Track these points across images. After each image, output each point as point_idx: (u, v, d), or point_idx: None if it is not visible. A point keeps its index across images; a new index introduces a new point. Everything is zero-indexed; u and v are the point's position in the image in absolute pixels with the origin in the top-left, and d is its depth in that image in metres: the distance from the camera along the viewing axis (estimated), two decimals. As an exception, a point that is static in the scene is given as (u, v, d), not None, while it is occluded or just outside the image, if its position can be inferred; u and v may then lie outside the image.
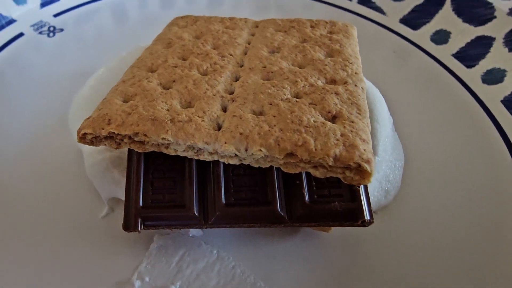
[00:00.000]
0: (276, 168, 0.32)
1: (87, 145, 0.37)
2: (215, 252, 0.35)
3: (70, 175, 0.40)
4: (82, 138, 0.29)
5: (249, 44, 0.39)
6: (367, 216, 0.31)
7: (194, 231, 0.36)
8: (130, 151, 0.33)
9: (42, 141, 0.44)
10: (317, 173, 0.27)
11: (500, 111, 0.49)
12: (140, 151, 0.29)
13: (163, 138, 0.28)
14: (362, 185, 0.31)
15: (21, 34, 0.57)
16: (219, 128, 0.29)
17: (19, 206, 0.38)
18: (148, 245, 0.35)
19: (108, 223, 0.37)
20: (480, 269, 0.35)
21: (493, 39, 0.55)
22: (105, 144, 0.30)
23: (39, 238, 0.36)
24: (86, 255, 0.35)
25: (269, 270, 0.34)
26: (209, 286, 0.33)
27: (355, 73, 0.34)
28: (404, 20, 0.63)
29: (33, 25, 0.59)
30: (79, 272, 0.34)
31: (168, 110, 0.30)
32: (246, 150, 0.27)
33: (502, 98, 0.50)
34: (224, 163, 0.32)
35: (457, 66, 0.56)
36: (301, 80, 0.32)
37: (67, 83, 0.50)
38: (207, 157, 0.29)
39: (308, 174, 0.32)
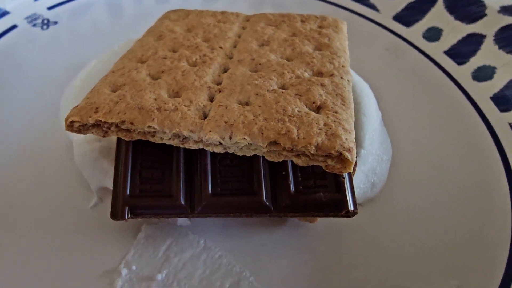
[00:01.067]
0: (262, 159, 0.32)
1: (77, 135, 0.37)
2: (202, 242, 0.35)
3: (60, 166, 0.40)
4: (70, 126, 0.30)
5: (239, 37, 0.40)
6: (351, 207, 0.31)
7: (181, 221, 0.36)
8: (119, 141, 0.33)
9: (33, 132, 0.44)
10: (300, 162, 0.27)
11: (489, 108, 0.50)
12: (127, 139, 0.30)
13: (149, 126, 0.28)
14: (347, 177, 0.32)
15: (14, 26, 0.57)
16: (205, 117, 0.29)
17: (8, 195, 0.38)
18: (136, 235, 0.36)
19: (97, 213, 0.37)
20: (464, 263, 0.36)
21: (484, 36, 0.56)
22: (93, 132, 0.30)
23: (27, 227, 0.36)
24: (74, 244, 0.35)
25: (255, 260, 0.35)
26: (195, 275, 0.33)
27: (342, 66, 0.34)
28: (398, 17, 0.63)
29: (26, 18, 0.59)
30: (67, 261, 0.34)
31: (155, 99, 0.30)
32: (230, 138, 0.27)
33: (491, 95, 0.51)
34: (211, 154, 0.33)
35: (449, 63, 0.56)
36: (288, 72, 0.33)
37: (60, 76, 0.50)
38: (192, 146, 0.29)
39: (294, 164, 0.32)
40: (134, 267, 0.34)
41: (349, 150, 0.26)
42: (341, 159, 0.26)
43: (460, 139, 0.47)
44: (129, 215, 0.31)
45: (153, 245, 0.35)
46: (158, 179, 0.32)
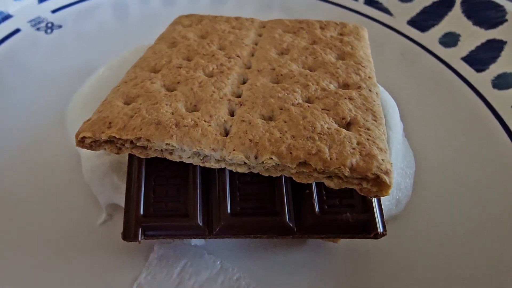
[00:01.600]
0: (285, 176, 0.30)
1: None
2: (218, 262, 0.33)
3: (67, 179, 0.38)
4: (81, 142, 0.28)
5: (256, 45, 0.38)
6: (380, 228, 0.29)
7: (196, 240, 0.34)
8: (131, 156, 0.31)
9: (39, 142, 0.42)
10: (332, 184, 0.25)
11: (511, 117, 0.48)
12: (142, 156, 0.28)
13: (167, 144, 0.26)
14: (374, 195, 0.30)
15: (18, 30, 0.56)
16: (226, 133, 0.27)
17: (13, 211, 0.36)
18: (148, 255, 0.34)
19: (106, 230, 0.35)
20: (498, 279, 0.34)
21: (505, 42, 0.54)
22: (105, 149, 0.28)
23: (33, 245, 0.34)
24: (82, 264, 0.33)
25: (275, 282, 0.33)
26: (212, 298, 0.31)
27: (369, 77, 0.32)
28: (412, 22, 0.61)
29: (30, 21, 0.57)
30: (74, 283, 0.32)
31: (172, 113, 0.28)
32: (256, 158, 0.25)
33: (513, 104, 0.49)
34: (230, 171, 0.30)
35: (467, 70, 0.54)
36: (313, 84, 0.31)
37: (65, 81, 0.49)
38: (213, 165, 0.27)
39: (318, 182, 0.30)
40: (146, 290, 0.31)
41: (386, 173, 0.24)
42: (378, 182, 0.24)
43: (483, 149, 0.45)
44: (143, 237, 0.29)
45: (167, 266, 0.33)
46: (173, 196, 0.30)
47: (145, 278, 0.32)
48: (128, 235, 0.29)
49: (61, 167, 0.39)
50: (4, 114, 0.45)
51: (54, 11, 0.60)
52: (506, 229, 0.37)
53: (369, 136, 0.26)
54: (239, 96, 0.30)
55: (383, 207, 0.35)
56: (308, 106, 0.28)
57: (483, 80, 0.52)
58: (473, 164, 0.43)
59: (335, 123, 0.27)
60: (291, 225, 0.29)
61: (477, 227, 0.37)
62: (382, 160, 0.25)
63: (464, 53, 0.56)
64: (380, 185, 0.24)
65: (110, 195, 0.35)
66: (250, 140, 0.26)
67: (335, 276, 0.33)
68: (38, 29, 0.57)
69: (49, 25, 0.58)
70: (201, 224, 0.29)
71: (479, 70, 0.54)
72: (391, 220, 0.36)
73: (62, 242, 0.34)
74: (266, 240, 0.34)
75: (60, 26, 0.58)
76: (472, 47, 0.56)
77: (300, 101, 0.29)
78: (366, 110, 0.28)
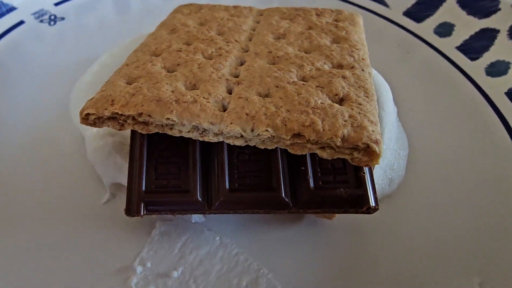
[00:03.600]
0: (281, 153, 0.31)
1: (89, 130, 0.37)
2: (218, 238, 0.35)
3: (72, 161, 0.39)
4: (85, 118, 0.29)
5: (254, 31, 0.39)
6: (372, 203, 0.30)
7: (196, 217, 0.35)
8: (133, 136, 0.33)
9: (44, 128, 0.43)
10: (325, 154, 0.27)
11: (504, 103, 0.49)
12: (143, 132, 0.29)
13: (167, 119, 0.27)
14: (367, 172, 0.31)
15: (21, 22, 0.57)
16: (224, 109, 0.28)
17: (21, 192, 0.37)
18: (150, 231, 0.35)
19: (110, 208, 0.36)
20: (486, 260, 0.35)
21: (498, 31, 0.55)
22: (108, 125, 0.29)
23: (40, 223, 0.35)
24: (87, 240, 0.34)
25: (272, 257, 0.34)
26: (212, 272, 0.32)
27: (362, 58, 0.33)
28: (408, 13, 0.62)
29: (34, 13, 0.58)
30: (80, 258, 0.33)
31: (172, 91, 0.29)
32: (252, 130, 0.27)
33: (506, 90, 0.50)
34: (228, 149, 0.32)
35: (461, 59, 0.55)
36: (308, 64, 0.32)
37: (68, 72, 0.50)
38: (212, 138, 0.28)
39: (313, 160, 0.31)
40: (149, 264, 0.33)
41: (376, 142, 0.25)
42: (368, 151, 0.26)
43: (475, 134, 0.46)
44: (145, 211, 0.30)
45: (168, 241, 0.34)
46: (174, 174, 0.31)
47: (148, 252, 0.33)
48: (131, 210, 0.30)
49: (66, 150, 0.41)
50: (10, 103, 0.46)
51: (57, 4, 0.61)
52: (496, 210, 0.38)
53: (361, 110, 0.27)
54: (237, 76, 0.32)
55: (376, 185, 0.36)
56: (303, 84, 0.30)
57: (477, 68, 0.54)
58: (465, 149, 0.44)
59: (329, 99, 0.29)
60: (287, 200, 0.31)
61: (467, 208, 0.38)
62: (372, 131, 0.26)
63: (459, 42, 0.57)
64: (370, 154, 0.26)
65: (114, 175, 0.36)
66: (247, 114, 0.27)
67: (329, 251, 0.34)
68: (41, 21, 0.58)
69: (52, 17, 0.59)
70: (200, 200, 0.31)
71: (473, 58, 0.55)
72: (384, 198, 0.38)
73: (68, 220, 0.36)
74: (263, 217, 0.36)
75: (63, 18, 0.59)
76: (466, 36, 0.57)
77: (296, 79, 0.30)
78: (358, 87, 0.29)
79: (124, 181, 0.34)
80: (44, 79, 0.50)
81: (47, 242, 0.34)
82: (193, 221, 0.35)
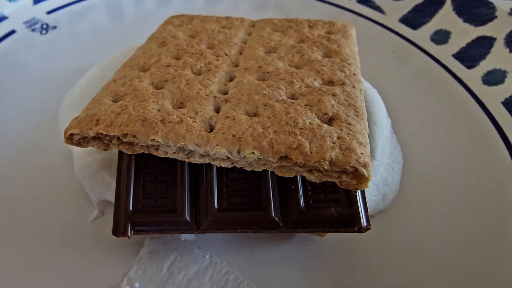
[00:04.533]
0: (271, 172, 0.31)
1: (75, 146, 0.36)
2: (207, 257, 0.34)
3: (59, 177, 0.39)
4: (69, 138, 0.28)
5: (245, 44, 0.38)
6: (363, 222, 0.30)
7: (186, 235, 0.35)
8: (120, 153, 0.32)
9: (32, 140, 0.43)
10: (312, 177, 0.26)
11: (500, 113, 0.48)
12: (129, 152, 0.28)
13: (152, 140, 0.27)
14: (359, 191, 0.30)
15: (13, 31, 0.56)
16: (211, 129, 0.28)
17: (5, 207, 0.37)
18: (139, 249, 0.34)
19: (98, 226, 0.36)
20: (481, 274, 0.34)
21: (494, 39, 0.54)
22: (93, 145, 0.29)
23: (25, 241, 0.35)
24: (74, 259, 0.34)
25: (263, 275, 0.33)
26: (201, 292, 0.32)
27: (353, 74, 0.33)
28: (404, 20, 0.62)
29: (25, 22, 0.58)
30: (66, 278, 0.33)
31: (159, 110, 0.29)
32: (238, 152, 0.26)
33: (502, 100, 0.49)
34: (217, 167, 0.31)
35: (458, 67, 0.55)
36: (297, 81, 0.31)
37: (59, 81, 0.49)
38: (198, 160, 0.28)
39: (303, 178, 0.31)
40: (137, 285, 0.32)
41: (365, 166, 0.24)
42: (357, 175, 0.25)
43: (472, 145, 0.45)
44: (132, 232, 0.30)
45: (157, 260, 0.33)
46: (161, 193, 0.31)
47: (135, 272, 0.33)
48: (118, 230, 0.30)
49: (54, 165, 0.40)
50: (-1, 113, 0.46)
51: (49, 12, 0.60)
52: (492, 225, 0.38)
53: (350, 130, 0.27)
54: (225, 93, 0.31)
55: (369, 201, 0.35)
56: (292, 102, 0.29)
57: (473, 76, 0.53)
58: (462, 160, 0.43)
59: (318, 118, 0.28)
60: (277, 219, 0.30)
61: (464, 223, 0.38)
62: (361, 153, 0.25)
63: (455, 50, 0.56)
64: (358, 177, 0.25)
65: (102, 192, 0.35)
66: (233, 136, 0.26)
67: (321, 269, 0.34)
68: (33, 30, 0.57)
69: (44, 26, 0.58)
70: (189, 219, 0.30)
71: (469, 66, 0.54)
72: (378, 214, 0.37)
73: (54, 238, 0.35)
74: (254, 235, 0.35)
75: (55, 27, 0.58)
76: (463, 44, 0.56)
77: (284, 97, 0.30)
78: (348, 105, 0.29)
79: (113, 199, 0.34)
80: (35, 89, 0.49)
81: (33, 260, 0.34)
82: (182, 239, 0.35)
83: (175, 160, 0.31)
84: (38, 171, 0.39)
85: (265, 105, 0.29)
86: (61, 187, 0.38)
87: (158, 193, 0.31)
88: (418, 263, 0.35)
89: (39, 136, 0.43)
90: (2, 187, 0.38)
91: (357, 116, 0.28)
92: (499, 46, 0.54)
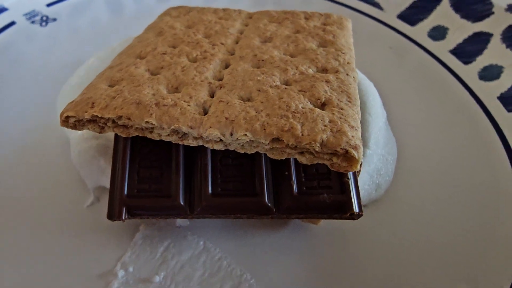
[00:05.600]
0: (264, 159, 0.31)
1: (73, 133, 0.36)
2: (201, 243, 0.34)
3: (56, 163, 0.39)
4: (65, 121, 0.29)
5: (241, 34, 0.39)
6: (356, 209, 0.30)
7: (181, 222, 0.35)
8: (116, 139, 0.32)
9: (30, 129, 0.43)
10: (304, 159, 0.26)
11: (496, 108, 0.49)
12: (123, 135, 0.29)
13: (146, 122, 0.27)
14: (352, 178, 0.31)
15: (12, 23, 0.57)
16: (205, 113, 0.28)
17: (2, 193, 0.37)
18: (133, 235, 0.35)
19: (94, 212, 0.36)
20: (473, 266, 0.34)
21: (491, 35, 0.54)
22: (89, 128, 0.29)
23: (21, 226, 0.35)
24: (69, 244, 0.34)
25: (256, 262, 0.34)
26: (194, 277, 0.32)
27: (347, 62, 0.33)
28: (402, 16, 0.62)
29: (25, 14, 0.58)
30: (61, 262, 0.33)
31: (154, 94, 0.29)
32: (231, 134, 0.26)
33: (498, 95, 0.50)
34: (211, 153, 0.31)
35: (454, 62, 0.55)
36: (292, 68, 0.31)
37: (59, 73, 0.49)
38: (191, 142, 0.28)
39: (297, 165, 0.31)
40: (131, 269, 0.32)
41: (355, 148, 0.25)
42: (347, 157, 0.25)
43: (467, 139, 0.45)
44: (127, 216, 0.30)
45: (151, 246, 0.34)
46: (156, 178, 0.31)
47: (130, 257, 0.33)
48: (113, 214, 0.30)
49: (51, 152, 0.40)
50: (-2, 103, 0.46)
51: (49, 5, 0.60)
52: (485, 217, 0.38)
53: (342, 115, 0.27)
54: (220, 80, 0.31)
55: (363, 191, 0.36)
56: (285, 88, 0.29)
57: (470, 72, 0.53)
58: (457, 154, 0.44)
59: (310, 103, 0.28)
60: (270, 205, 0.30)
61: (457, 215, 0.38)
62: (352, 136, 0.25)
63: (452, 46, 0.57)
64: (349, 159, 0.25)
65: (98, 178, 0.35)
66: (226, 118, 0.27)
67: (314, 256, 0.34)
68: (33, 22, 0.58)
69: (44, 18, 0.58)
70: (183, 204, 0.30)
71: (466, 62, 0.54)
72: (371, 203, 0.37)
73: (50, 223, 0.35)
74: (249, 221, 0.35)
75: (54, 20, 0.59)
76: (460, 40, 0.57)
77: (278, 83, 0.30)
78: (341, 92, 0.29)
79: (108, 185, 0.34)
80: (34, 81, 0.49)
81: (27, 245, 0.34)
82: (177, 225, 0.35)
83: (170, 146, 0.31)
84: (35, 159, 0.40)
85: (259, 90, 0.29)
86: (58, 173, 0.38)
87: (153, 178, 0.31)
88: (410, 252, 0.35)
89: (38, 126, 0.43)
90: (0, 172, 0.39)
91: (349, 102, 0.28)
92: (495, 42, 0.54)
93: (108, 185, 0.34)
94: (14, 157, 0.40)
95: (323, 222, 0.35)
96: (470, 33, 0.56)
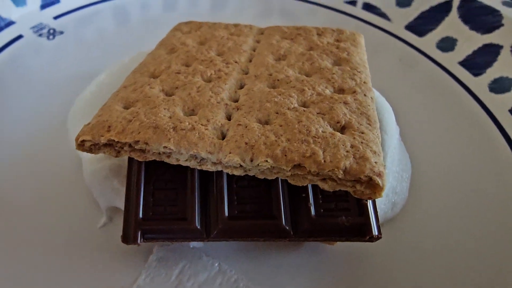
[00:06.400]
0: (281, 180, 0.31)
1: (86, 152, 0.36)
2: (216, 265, 0.34)
3: (68, 183, 0.38)
4: (81, 145, 0.28)
5: (254, 51, 0.38)
6: (375, 232, 0.29)
7: (195, 243, 0.34)
8: (130, 160, 0.32)
9: (40, 146, 0.42)
10: (326, 186, 0.26)
11: (508, 121, 0.48)
12: (140, 159, 0.28)
13: (164, 147, 0.27)
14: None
15: (20, 36, 0.56)
16: (223, 137, 0.28)
17: (15, 213, 0.36)
18: (147, 257, 0.34)
19: (106, 233, 0.35)
20: (491, 284, 0.34)
21: (501, 47, 0.54)
22: (104, 152, 0.28)
23: (32, 247, 0.34)
24: (81, 267, 0.33)
25: (272, 284, 0.33)
26: (210, 300, 0.32)
27: (364, 82, 0.32)
28: (410, 27, 0.62)
29: (32, 27, 0.58)
30: (73, 286, 0.32)
31: (170, 117, 0.28)
32: (251, 160, 0.26)
33: (510, 108, 0.49)
34: (227, 174, 0.31)
35: (464, 74, 0.55)
36: (309, 89, 0.31)
37: (67, 87, 0.49)
38: (210, 167, 0.27)
39: (314, 186, 0.31)
40: (145, 292, 0.32)
41: (379, 175, 0.24)
42: (371, 184, 0.25)
43: (480, 153, 0.45)
44: (142, 239, 0.30)
45: (165, 268, 0.33)
46: (171, 200, 0.31)
47: (144, 280, 0.33)
48: (128, 238, 0.30)
49: (63, 170, 0.40)
50: (7, 119, 0.45)
51: (56, 18, 0.60)
52: (502, 232, 0.37)
53: (363, 139, 0.27)
54: (236, 101, 0.31)
55: (379, 210, 0.35)
56: (304, 110, 0.29)
57: (480, 84, 0.53)
58: (470, 168, 0.43)
59: (330, 126, 0.28)
60: (287, 228, 0.30)
61: (473, 231, 0.37)
62: (375, 162, 0.25)
63: (461, 57, 0.56)
64: (373, 187, 0.25)
65: (110, 199, 0.35)
66: (246, 143, 0.26)
67: (331, 278, 0.33)
68: (40, 35, 0.57)
69: (51, 31, 0.58)
70: (199, 227, 0.30)
71: (476, 74, 0.54)
72: (387, 223, 0.37)
73: (63, 244, 0.35)
74: (263, 242, 0.35)
75: (61, 32, 0.58)
76: (469, 52, 0.56)
77: (296, 105, 0.30)
78: (360, 114, 0.29)
79: (121, 205, 0.34)
80: (42, 95, 0.49)
81: (40, 267, 0.33)
82: (191, 246, 0.34)
83: (185, 167, 0.31)
84: (46, 177, 0.39)
85: (277, 113, 0.29)
86: (70, 193, 0.38)
87: (168, 200, 0.30)
88: (428, 271, 0.34)
89: (48, 142, 0.43)
90: (11, 192, 0.38)
91: (369, 124, 0.28)
92: (506, 54, 0.53)
93: (121, 206, 0.34)
94: (23, 173, 0.40)
95: (339, 242, 0.35)
96: (479, 44, 0.56)
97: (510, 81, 0.51)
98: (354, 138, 0.27)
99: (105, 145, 0.28)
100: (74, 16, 0.61)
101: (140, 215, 0.30)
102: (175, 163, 0.28)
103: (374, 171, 0.25)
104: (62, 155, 0.41)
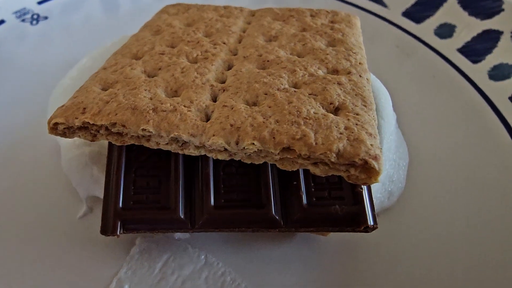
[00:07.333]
0: (271, 166, 0.29)
1: (64, 138, 0.34)
2: (202, 257, 0.32)
3: (46, 171, 0.37)
4: (53, 128, 0.26)
5: (244, 32, 0.36)
6: (370, 222, 0.28)
7: (180, 234, 0.33)
8: (110, 145, 0.30)
9: (21, 134, 0.41)
10: (317, 171, 0.24)
11: (507, 108, 0.47)
12: (118, 144, 0.26)
13: (143, 129, 0.25)
14: (365, 187, 0.28)
15: (2, 21, 0.54)
16: (207, 119, 0.26)
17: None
18: (129, 249, 0.32)
19: (86, 223, 0.34)
20: (488, 274, 0.32)
21: (501, 33, 0.52)
22: (80, 136, 0.26)
23: (8, 239, 0.33)
24: (60, 258, 0.32)
25: (262, 277, 0.31)
26: (195, 295, 0.30)
27: (359, 63, 0.31)
28: (407, 13, 0.60)
29: (15, 12, 0.56)
30: (52, 277, 0.31)
31: (151, 98, 0.26)
32: (237, 143, 0.24)
33: (510, 95, 0.48)
34: (214, 161, 0.29)
35: (463, 62, 0.53)
36: (300, 69, 0.29)
37: (50, 74, 0.47)
38: (193, 152, 0.25)
39: (306, 174, 0.29)
40: (126, 286, 0.30)
41: (375, 158, 0.22)
42: (366, 168, 0.23)
43: (478, 141, 0.44)
44: (122, 231, 0.28)
45: (149, 260, 0.31)
46: (154, 188, 0.29)
47: (126, 273, 0.31)
48: (107, 229, 0.28)
49: (41, 159, 0.38)
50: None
51: (40, 3, 0.58)
52: (499, 222, 0.36)
53: (358, 121, 0.25)
54: (223, 82, 0.29)
55: (375, 199, 0.33)
56: (295, 91, 0.27)
57: (479, 71, 0.51)
58: (468, 156, 0.42)
59: (323, 108, 0.26)
60: (277, 218, 0.28)
61: (470, 219, 0.36)
62: (371, 145, 0.23)
63: (460, 44, 0.55)
64: (368, 171, 0.23)
65: (90, 187, 0.33)
66: (232, 125, 0.24)
67: (323, 270, 0.32)
68: (23, 20, 0.55)
69: (35, 16, 0.56)
70: (183, 217, 0.28)
71: (475, 61, 0.52)
72: (383, 212, 0.35)
73: (40, 235, 0.33)
74: (253, 233, 0.33)
75: (46, 18, 0.56)
76: (468, 38, 0.55)
77: (287, 86, 0.28)
78: (355, 95, 0.27)
79: (102, 194, 0.32)
80: (24, 81, 0.47)
81: (16, 259, 0.32)
82: (176, 238, 0.33)
83: (169, 153, 0.29)
84: (24, 165, 0.38)
85: (266, 94, 0.27)
86: (48, 182, 0.36)
87: (150, 188, 0.29)
88: (424, 262, 0.33)
89: (28, 129, 0.41)
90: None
91: (365, 106, 0.26)
92: (506, 40, 0.52)
93: (101, 196, 0.32)
94: (2, 161, 0.38)
95: (332, 233, 0.33)
96: (479, 30, 0.54)
97: (510, 68, 0.50)
98: (348, 119, 0.25)
99: (80, 128, 0.26)
100: (59, 1, 0.59)
101: (120, 204, 0.28)
102: (155, 147, 0.26)
103: (369, 154, 0.23)
104: (41, 142, 0.39)
